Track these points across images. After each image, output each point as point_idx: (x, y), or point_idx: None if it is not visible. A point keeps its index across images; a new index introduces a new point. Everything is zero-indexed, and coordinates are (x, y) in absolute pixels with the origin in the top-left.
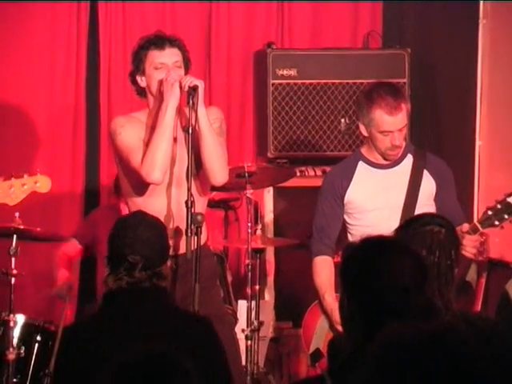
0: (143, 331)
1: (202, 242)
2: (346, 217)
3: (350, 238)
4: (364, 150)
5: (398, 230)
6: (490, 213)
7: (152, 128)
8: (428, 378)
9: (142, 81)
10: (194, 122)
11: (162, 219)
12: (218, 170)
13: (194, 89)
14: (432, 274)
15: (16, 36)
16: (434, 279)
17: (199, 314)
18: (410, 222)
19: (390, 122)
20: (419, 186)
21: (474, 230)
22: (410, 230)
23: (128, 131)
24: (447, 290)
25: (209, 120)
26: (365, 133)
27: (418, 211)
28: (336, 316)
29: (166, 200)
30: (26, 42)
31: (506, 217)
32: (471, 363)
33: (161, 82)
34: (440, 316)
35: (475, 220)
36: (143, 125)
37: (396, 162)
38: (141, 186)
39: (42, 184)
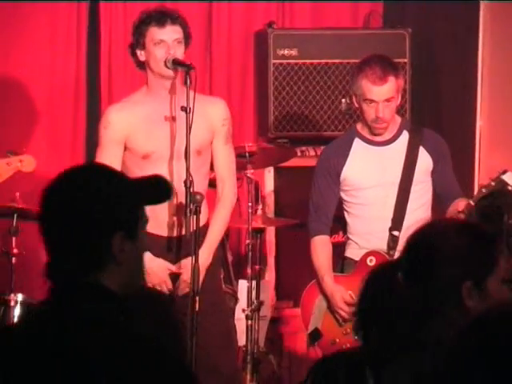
0: None
1: (203, 223)
2: (342, 194)
3: (347, 216)
4: (359, 127)
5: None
6: (484, 191)
7: (150, 106)
8: None
9: (141, 55)
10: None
11: None
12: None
13: (190, 67)
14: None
15: (17, 24)
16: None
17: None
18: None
19: (374, 92)
20: (415, 162)
21: (468, 210)
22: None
23: (112, 129)
24: None
25: (217, 122)
26: (355, 103)
27: (414, 188)
28: (336, 299)
29: (168, 176)
30: (27, 25)
31: None
32: None
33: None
34: None
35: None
36: (139, 107)
37: (392, 140)
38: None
39: (26, 163)
